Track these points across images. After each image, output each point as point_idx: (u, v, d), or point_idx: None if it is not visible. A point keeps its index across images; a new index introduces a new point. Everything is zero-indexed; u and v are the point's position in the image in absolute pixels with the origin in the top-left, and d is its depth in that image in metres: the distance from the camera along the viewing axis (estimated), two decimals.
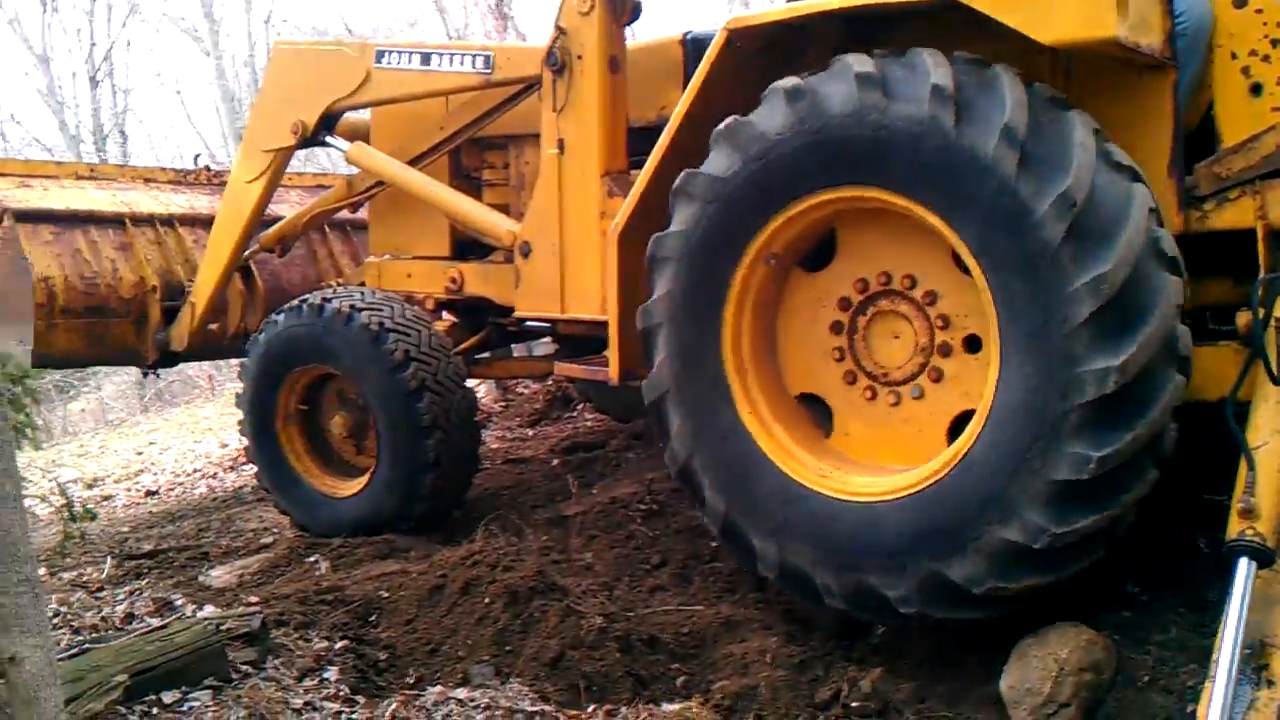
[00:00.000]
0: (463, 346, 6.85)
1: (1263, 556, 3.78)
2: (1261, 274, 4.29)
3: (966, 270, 4.26)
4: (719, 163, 4.65)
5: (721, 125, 4.66)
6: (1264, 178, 4.35)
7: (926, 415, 4.56)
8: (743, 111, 4.63)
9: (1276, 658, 3.68)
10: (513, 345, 8.30)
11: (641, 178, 5.15)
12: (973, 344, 4.45)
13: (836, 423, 4.78)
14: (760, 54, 4.90)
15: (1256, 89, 4.46)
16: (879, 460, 4.64)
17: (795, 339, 4.84)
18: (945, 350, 4.51)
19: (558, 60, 6.01)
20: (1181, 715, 3.86)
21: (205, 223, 7.84)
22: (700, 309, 4.75)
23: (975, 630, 4.43)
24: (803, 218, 4.57)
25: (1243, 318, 4.25)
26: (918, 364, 4.56)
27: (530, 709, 4.39)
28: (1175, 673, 4.09)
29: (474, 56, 6.50)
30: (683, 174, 4.77)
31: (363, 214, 7.80)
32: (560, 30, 6.02)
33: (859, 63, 4.34)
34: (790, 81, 4.50)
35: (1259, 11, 4.53)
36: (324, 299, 6.46)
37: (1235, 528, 3.83)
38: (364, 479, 6.42)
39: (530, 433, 8.72)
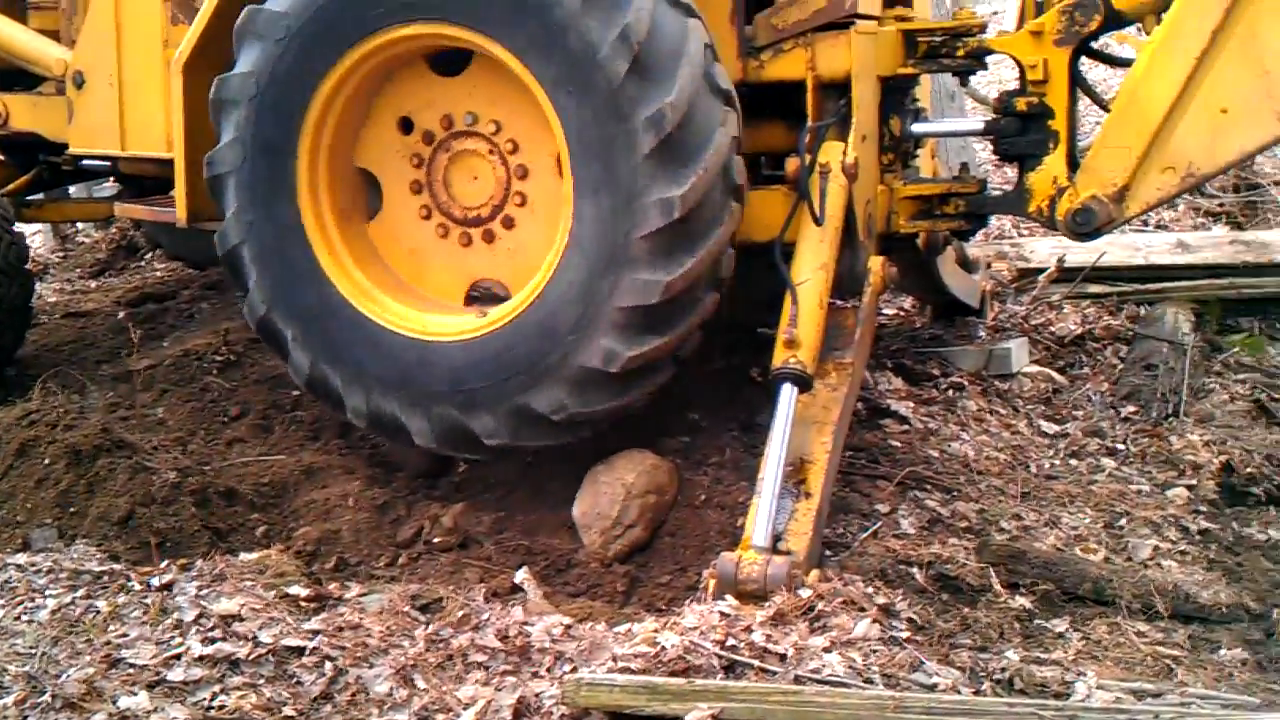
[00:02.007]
0: (10, 187, 6.28)
1: (803, 382, 4.17)
2: (810, 123, 4.62)
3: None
4: None
5: None
6: (815, 31, 4.65)
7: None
8: None
9: (813, 472, 4.10)
10: (71, 188, 7.68)
11: (208, 2, 4.81)
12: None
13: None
14: None
15: None
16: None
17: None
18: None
19: None
20: (733, 529, 4.22)
21: None
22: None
23: (552, 462, 4.62)
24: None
25: (791, 164, 4.58)
26: (495, 204, 4.59)
27: (98, 569, 4.19)
28: (729, 490, 4.47)
29: None
30: (246, 10, 4.50)
31: None
32: None
33: None
34: None
35: None
36: None
37: (780, 357, 4.19)
38: None
39: (93, 284, 8.13)
